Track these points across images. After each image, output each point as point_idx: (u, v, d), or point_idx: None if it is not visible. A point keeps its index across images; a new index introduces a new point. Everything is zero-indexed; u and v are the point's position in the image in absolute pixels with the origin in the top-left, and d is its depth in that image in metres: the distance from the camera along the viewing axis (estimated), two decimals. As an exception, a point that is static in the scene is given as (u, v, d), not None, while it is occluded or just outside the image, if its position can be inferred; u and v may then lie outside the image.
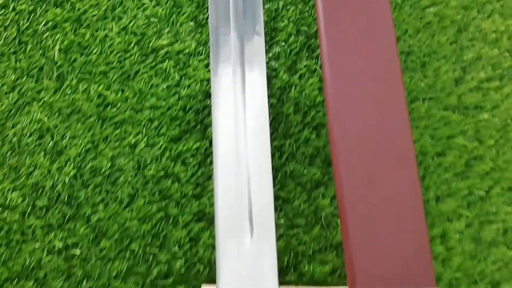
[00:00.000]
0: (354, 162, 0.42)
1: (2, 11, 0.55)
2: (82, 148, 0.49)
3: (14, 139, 0.50)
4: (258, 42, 0.49)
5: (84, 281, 0.46)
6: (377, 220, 0.40)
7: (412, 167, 0.42)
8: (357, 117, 0.44)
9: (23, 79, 0.52)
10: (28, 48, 0.53)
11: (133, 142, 0.50)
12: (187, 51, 0.53)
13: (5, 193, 0.48)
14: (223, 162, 0.45)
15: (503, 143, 0.51)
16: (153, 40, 0.53)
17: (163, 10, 0.54)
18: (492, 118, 0.51)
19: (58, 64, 0.52)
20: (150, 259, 0.47)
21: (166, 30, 0.53)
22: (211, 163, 0.50)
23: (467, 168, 0.50)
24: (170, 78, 0.52)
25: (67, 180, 0.49)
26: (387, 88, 0.45)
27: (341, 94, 0.45)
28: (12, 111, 0.51)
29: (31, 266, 0.47)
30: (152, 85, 0.52)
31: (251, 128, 0.46)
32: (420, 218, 0.40)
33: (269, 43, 0.53)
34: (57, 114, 0.51)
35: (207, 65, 0.52)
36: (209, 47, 0.52)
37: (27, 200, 0.48)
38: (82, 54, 0.53)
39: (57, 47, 0.53)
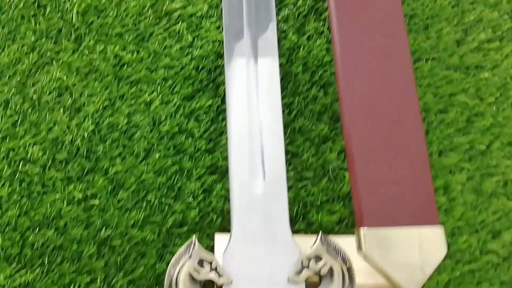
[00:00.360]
0: (361, 116, 0.44)
1: (21, -23, 0.56)
2: (100, 105, 0.51)
3: (35, 97, 0.51)
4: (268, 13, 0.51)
5: (103, 230, 0.48)
6: (383, 165, 0.41)
7: (416, 120, 0.44)
8: (364, 75, 0.45)
9: (43, 40, 0.53)
10: (47, 11, 0.54)
11: (148, 100, 0.52)
12: (199, 13, 0.54)
13: (27, 147, 0.50)
14: (236, 117, 0.46)
15: (503, 101, 0.52)
16: (167, 3, 0.55)
17: (176, -24, 0.56)
18: (492, 77, 0.53)
19: (76, 26, 0.54)
20: (166, 209, 0.49)
21: (179, -5, 0.55)
22: (223, 120, 0.51)
23: (468, 124, 0.52)
24: (183, 39, 0.54)
25: (85, 135, 0.50)
26: (393, 48, 0.47)
27: (349, 54, 0.46)
28: (32, 70, 0.52)
29: (51, 216, 0.48)
30: (166, 46, 0.53)
31: (263, 89, 0.47)
32: (424, 163, 0.42)
33: (279, 6, 0.55)
34: (75, 73, 0.52)
35: (218, 27, 0.54)
36: (221, 10, 0.54)
37: (47, 154, 0.50)
38: (98, 17, 0.54)
39: (74, 10, 0.54)
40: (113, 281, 0.46)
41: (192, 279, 0.40)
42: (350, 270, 0.40)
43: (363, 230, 0.39)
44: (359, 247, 0.40)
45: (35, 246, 0.47)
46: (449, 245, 0.48)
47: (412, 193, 0.40)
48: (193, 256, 0.40)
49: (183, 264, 0.40)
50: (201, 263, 0.40)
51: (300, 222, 0.48)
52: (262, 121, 0.46)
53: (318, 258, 0.40)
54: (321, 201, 0.49)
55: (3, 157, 0.49)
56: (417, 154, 0.41)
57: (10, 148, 0.49)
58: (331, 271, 0.40)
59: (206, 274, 0.40)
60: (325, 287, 0.39)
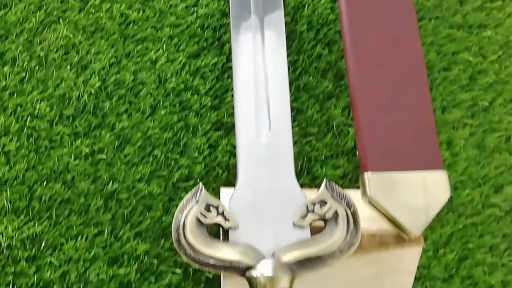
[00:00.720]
0: (367, 69, 0.44)
1: None
2: (106, 63, 0.51)
3: (42, 54, 0.52)
4: None
5: (110, 184, 0.48)
6: (388, 111, 0.42)
7: (420, 69, 0.44)
8: (370, 30, 0.46)
9: (49, -1, 0.54)
10: (54, -29, 0.55)
11: (154, 57, 0.52)
12: (204, -27, 0.55)
13: (34, 103, 0.50)
14: (243, 72, 0.47)
15: (505, 58, 0.53)
16: (172, -37, 0.55)
17: None
18: (495, 35, 0.53)
19: (82, -15, 0.55)
20: (172, 164, 0.49)
21: (184, -45, 0.56)
22: (228, 77, 0.52)
23: (471, 81, 0.52)
24: (189, -2, 0.54)
25: (92, 92, 0.50)
26: (398, 4, 0.47)
27: (355, 12, 0.47)
28: (39, 29, 0.52)
29: (59, 170, 0.49)
30: (171, 5, 0.54)
31: (269, 46, 0.48)
32: (428, 109, 0.42)
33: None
34: (82, 31, 0.52)
35: (224, -14, 0.55)
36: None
37: (54, 109, 0.50)
38: (104, -24, 0.55)
39: (81, -31, 0.55)
40: (120, 233, 0.47)
41: (199, 223, 0.40)
42: (354, 214, 0.40)
43: (368, 175, 0.40)
44: (364, 192, 0.40)
45: (42, 199, 0.48)
46: (452, 199, 0.49)
47: (416, 139, 0.41)
48: (200, 201, 0.41)
49: (190, 209, 0.40)
50: (207, 208, 0.41)
51: (305, 176, 0.49)
52: (268, 76, 0.47)
53: (323, 203, 0.41)
54: (325, 156, 0.50)
55: (11, 113, 0.50)
56: (421, 101, 0.42)
57: (18, 104, 0.50)
58: (336, 215, 0.40)
59: (213, 218, 0.40)
60: (330, 231, 0.40)
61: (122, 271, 0.46)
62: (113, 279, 0.46)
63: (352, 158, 0.49)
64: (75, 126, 0.49)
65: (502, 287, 0.47)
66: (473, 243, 0.48)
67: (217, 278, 0.46)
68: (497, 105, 0.51)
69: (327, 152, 0.50)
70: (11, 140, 0.49)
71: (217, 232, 0.42)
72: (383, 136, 0.41)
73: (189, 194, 0.41)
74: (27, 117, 0.49)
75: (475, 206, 0.49)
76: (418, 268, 0.47)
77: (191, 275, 0.47)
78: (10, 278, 0.46)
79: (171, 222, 0.47)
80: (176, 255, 0.47)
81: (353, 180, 0.49)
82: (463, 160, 0.49)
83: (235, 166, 0.48)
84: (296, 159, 0.49)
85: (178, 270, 0.46)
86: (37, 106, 0.50)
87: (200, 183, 0.42)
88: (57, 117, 0.50)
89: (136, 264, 0.47)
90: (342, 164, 0.49)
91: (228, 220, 0.40)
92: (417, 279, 0.47)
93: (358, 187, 0.43)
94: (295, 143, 0.49)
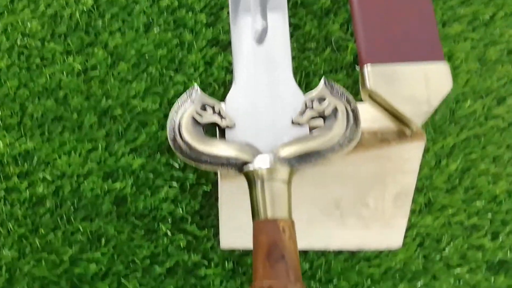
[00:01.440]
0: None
1: None
2: (98, -18, 0.51)
3: (32, -27, 0.51)
4: None
5: (104, 100, 0.47)
6: (388, 6, 0.41)
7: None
8: None
9: None
10: None
11: (147, -24, 0.51)
12: None
13: (25, 22, 0.48)
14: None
15: (506, -27, 0.52)
16: None
17: None
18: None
19: None
20: (167, 80, 0.48)
21: None
22: (223, -5, 0.51)
23: (472, -5, 0.51)
24: None
25: (85, 10, 0.49)
26: None
27: None
28: (30, -51, 0.52)
29: (51, 87, 0.47)
30: None
31: None
32: (428, 5, 0.41)
33: None
34: (73, -49, 0.52)
35: None
36: None
37: (46, 28, 0.49)
38: None
39: None
40: (115, 148, 0.46)
41: (195, 122, 0.39)
42: (354, 110, 0.39)
43: (367, 67, 0.39)
44: (363, 85, 0.39)
45: (34, 116, 0.46)
46: (453, 111, 0.48)
47: (416, 31, 0.39)
48: (196, 101, 0.39)
49: (186, 109, 0.39)
50: (203, 107, 0.39)
51: (303, 90, 0.48)
52: None
53: (321, 99, 0.39)
54: (324, 70, 0.48)
55: (1, 32, 0.48)
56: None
57: (8, 23, 0.48)
58: (335, 111, 0.39)
59: (209, 117, 0.39)
60: (329, 126, 0.38)
61: (117, 185, 0.45)
62: (108, 193, 0.45)
63: (351, 73, 0.48)
64: (68, 44, 0.48)
65: (507, 197, 0.46)
66: (476, 153, 0.47)
67: (214, 192, 0.45)
68: (498, 18, 0.50)
69: (326, 67, 0.48)
70: (1, 58, 0.48)
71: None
72: (382, 28, 0.39)
73: (184, 95, 0.40)
74: (17, 35, 0.48)
75: (478, 118, 0.48)
76: (420, 179, 0.46)
77: (188, 189, 0.46)
78: (2, 193, 0.45)
79: (166, 138, 0.46)
80: (172, 169, 0.46)
81: (352, 94, 0.48)
82: (465, 73, 0.48)
83: (231, 82, 0.47)
84: (295, 73, 0.47)
85: (175, 184, 0.45)
86: (28, 25, 0.48)
87: (195, 83, 0.41)
88: (48, 35, 0.48)
89: (132, 178, 0.45)
90: (341, 78, 0.48)
91: (225, 118, 0.39)
92: (419, 190, 0.46)
93: (358, 101, 0.42)
94: (293, 58, 0.48)
